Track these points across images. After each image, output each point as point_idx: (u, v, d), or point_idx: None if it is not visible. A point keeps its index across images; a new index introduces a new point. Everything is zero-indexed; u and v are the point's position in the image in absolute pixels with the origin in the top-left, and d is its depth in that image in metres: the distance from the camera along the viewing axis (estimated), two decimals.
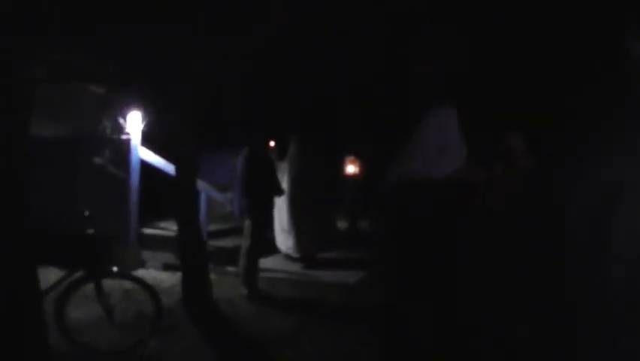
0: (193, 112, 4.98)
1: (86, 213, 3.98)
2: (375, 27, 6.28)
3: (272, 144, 7.62)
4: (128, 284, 4.35)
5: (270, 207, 5.99)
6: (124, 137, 6.82)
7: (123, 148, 6.79)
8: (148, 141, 6.98)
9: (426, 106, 3.08)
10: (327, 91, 9.10)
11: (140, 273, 6.67)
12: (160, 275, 6.51)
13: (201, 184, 6.85)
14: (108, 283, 4.16)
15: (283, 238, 7.12)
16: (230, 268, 6.69)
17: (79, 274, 3.95)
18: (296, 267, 6.86)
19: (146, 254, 6.95)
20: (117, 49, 5.90)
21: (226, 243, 7.20)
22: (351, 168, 8.98)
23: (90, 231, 3.89)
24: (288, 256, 7.19)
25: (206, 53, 4.68)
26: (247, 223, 5.72)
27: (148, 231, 7.08)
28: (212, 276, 6.36)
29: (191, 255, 5.02)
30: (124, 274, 4.18)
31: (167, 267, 6.73)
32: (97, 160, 6.24)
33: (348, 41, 6.43)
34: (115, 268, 4.02)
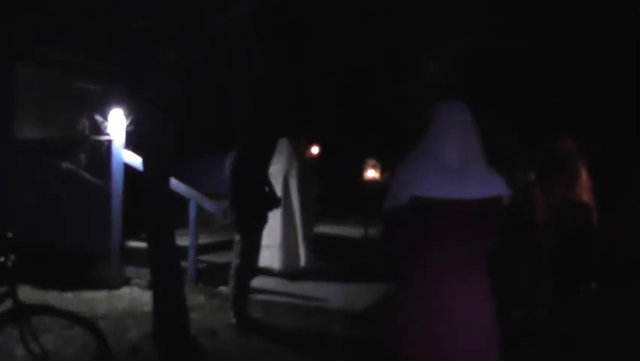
0: (166, 107, 4.09)
1: (9, 235, 3.11)
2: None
3: (314, 149, 6.77)
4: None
5: (263, 219, 5.04)
6: (104, 138, 6.02)
7: (103, 150, 5.98)
8: (133, 142, 6.15)
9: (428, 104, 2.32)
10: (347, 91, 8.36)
11: (123, 292, 5.88)
12: (143, 296, 5.65)
13: (190, 191, 5.99)
14: (42, 322, 3.30)
15: (280, 253, 6.23)
16: (222, 288, 5.79)
17: None
18: (294, 287, 5.92)
19: (130, 270, 6.12)
20: (98, 41, 5.13)
21: (219, 258, 6.32)
22: (371, 173, 8.21)
23: (11, 257, 3.01)
24: (284, 274, 6.30)
25: (172, 40, 3.84)
26: (237, 238, 4.84)
27: (133, 244, 6.24)
28: (200, 298, 5.53)
29: (163, 277, 4.14)
30: (56, 311, 3.30)
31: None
32: (66, 165, 5.41)
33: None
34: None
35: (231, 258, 4.96)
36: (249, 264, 4.86)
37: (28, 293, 5.65)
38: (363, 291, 5.73)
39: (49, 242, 6.01)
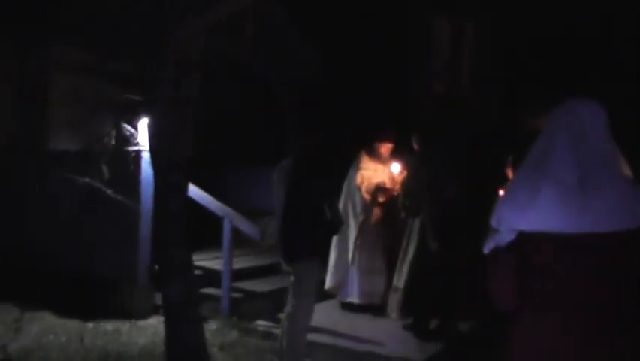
0: (184, 108, 3.36)
1: None
2: None
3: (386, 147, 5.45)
4: None
5: (321, 250, 4.04)
6: (133, 149, 5.39)
7: (130, 163, 5.35)
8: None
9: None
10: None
11: (149, 322, 5.18)
12: None
13: (223, 209, 5.23)
14: None
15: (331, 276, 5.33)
16: (261, 323, 4.96)
17: None
18: (343, 323, 4.98)
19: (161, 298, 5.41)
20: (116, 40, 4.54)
21: (259, 285, 5.51)
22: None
23: None
24: (346, 305, 5.40)
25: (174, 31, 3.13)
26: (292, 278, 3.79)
27: None
28: (233, 335, 4.72)
29: (175, 312, 3.36)
30: None
31: None
32: (85, 180, 4.80)
33: None
34: None
35: (281, 282, 3.98)
36: (305, 308, 3.76)
37: (48, 321, 5.13)
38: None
39: (72, 266, 5.46)
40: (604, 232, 1.46)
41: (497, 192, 4.58)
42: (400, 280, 4.97)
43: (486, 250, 1.63)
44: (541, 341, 1.52)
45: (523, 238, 1.53)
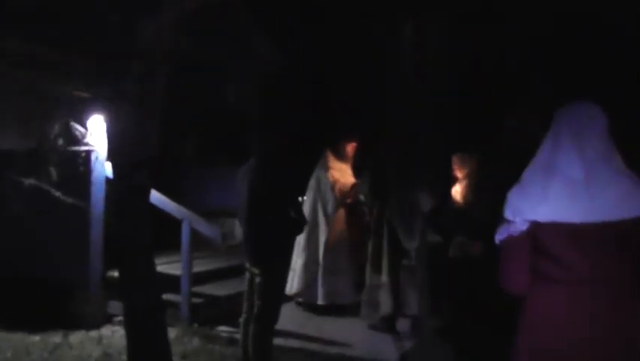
0: (145, 104, 3.16)
1: None
2: None
3: (352, 146, 5.40)
4: None
5: (288, 250, 3.82)
6: (83, 148, 5.08)
7: (80, 164, 5.04)
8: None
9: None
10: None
11: (102, 332, 4.89)
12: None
13: (182, 211, 5.02)
14: None
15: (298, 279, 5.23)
16: (223, 329, 4.79)
17: None
18: (311, 327, 4.90)
19: (114, 306, 5.11)
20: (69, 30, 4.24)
21: (220, 289, 5.32)
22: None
23: None
24: (310, 306, 5.31)
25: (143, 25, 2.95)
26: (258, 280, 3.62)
27: (117, 274, 5.25)
28: (195, 342, 4.53)
29: (138, 319, 3.16)
30: None
31: None
32: (30, 181, 4.47)
33: None
34: None
35: (243, 286, 3.83)
36: (273, 309, 3.62)
37: None
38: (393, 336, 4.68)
39: (18, 273, 5.08)
40: (609, 221, 1.64)
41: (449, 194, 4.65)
42: (379, 277, 4.85)
43: (499, 238, 1.80)
44: (552, 313, 1.72)
45: (536, 228, 1.72)
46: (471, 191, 4.57)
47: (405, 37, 4.92)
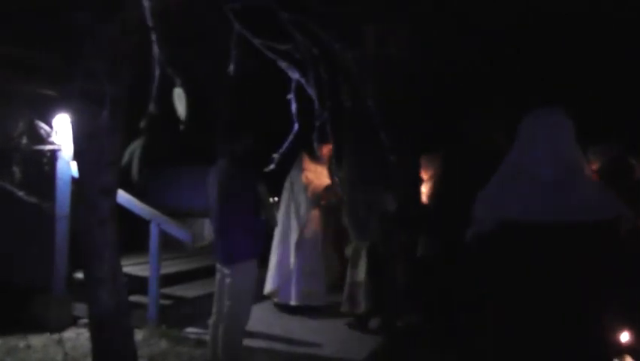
0: (109, 101, 3.10)
1: None
2: None
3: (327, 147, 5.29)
4: None
5: (260, 248, 3.80)
6: (47, 148, 4.97)
7: (45, 163, 4.93)
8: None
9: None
10: None
11: (67, 335, 4.79)
12: None
13: (150, 211, 4.96)
14: None
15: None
16: (191, 330, 4.75)
17: None
18: (278, 327, 4.90)
19: (79, 308, 5.01)
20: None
21: (188, 290, 5.28)
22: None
23: None
24: (282, 307, 5.31)
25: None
26: (229, 281, 3.60)
27: (82, 276, 5.14)
28: (163, 344, 4.48)
29: (104, 321, 3.11)
30: None
31: None
32: None
33: None
34: None
35: (212, 287, 3.82)
36: (243, 310, 3.62)
37: None
38: (365, 335, 4.73)
39: None
40: (576, 221, 1.67)
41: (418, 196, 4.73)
42: (358, 275, 4.85)
43: (469, 237, 1.80)
44: (520, 309, 1.73)
45: (505, 227, 1.72)
46: (436, 191, 4.66)
47: (366, 44, 4.96)
